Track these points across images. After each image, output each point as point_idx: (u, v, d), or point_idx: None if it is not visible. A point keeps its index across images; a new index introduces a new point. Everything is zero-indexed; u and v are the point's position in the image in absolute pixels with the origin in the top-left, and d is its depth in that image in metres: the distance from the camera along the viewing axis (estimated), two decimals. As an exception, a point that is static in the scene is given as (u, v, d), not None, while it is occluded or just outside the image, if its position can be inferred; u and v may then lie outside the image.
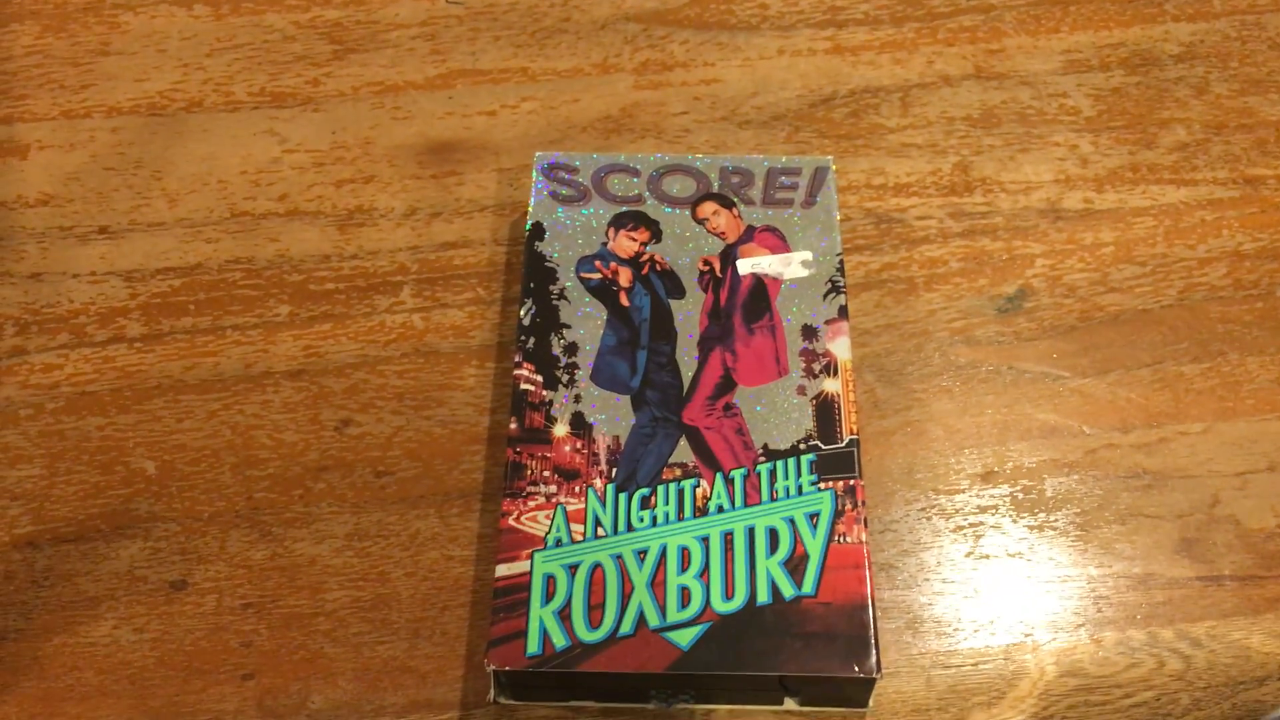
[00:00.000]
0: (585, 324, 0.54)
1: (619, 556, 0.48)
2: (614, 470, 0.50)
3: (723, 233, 0.57)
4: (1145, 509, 0.53)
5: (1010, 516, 0.53)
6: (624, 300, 0.55)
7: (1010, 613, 0.51)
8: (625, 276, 0.56)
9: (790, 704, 0.48)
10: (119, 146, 0.65)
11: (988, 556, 0.52)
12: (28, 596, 0.51)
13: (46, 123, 0.66)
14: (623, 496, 0.50)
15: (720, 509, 0.49)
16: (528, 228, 0.57)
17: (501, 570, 0.48)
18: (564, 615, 0.47)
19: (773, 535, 0.49)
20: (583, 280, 0.56)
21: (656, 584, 0.47)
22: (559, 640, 0.46)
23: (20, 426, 0.55)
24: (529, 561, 0.48)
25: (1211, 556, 0.52)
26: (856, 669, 0.46)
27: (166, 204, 0.63)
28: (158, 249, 0.61)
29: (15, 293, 0.59)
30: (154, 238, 0.61)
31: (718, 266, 0.56)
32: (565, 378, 0.53)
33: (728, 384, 0.53)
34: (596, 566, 0.48)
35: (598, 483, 0.50)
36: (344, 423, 0.56)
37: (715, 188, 0.59)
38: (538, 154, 0.60)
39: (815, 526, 0.49)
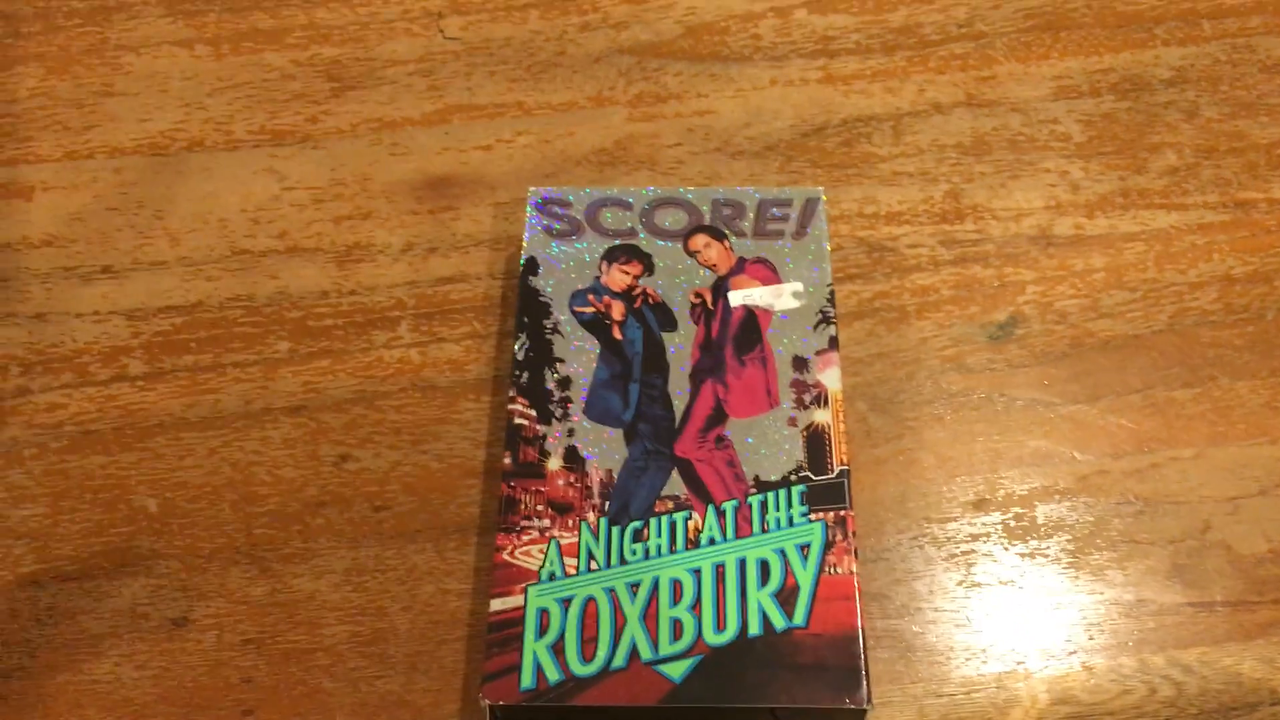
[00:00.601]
0: (578, 358, 0.55)
1: (612, 590, 0.49)
2: (607, 503, 0.51)
3: (714, 265, 0.58)
4: (1137, 535, 0.54)
5: (1002, 544, 0.54)
6: (616, 334, 0.56)
7: (1002, 641, 0.51)
8: (618, 310, 0.57)
9: (783, 735, 0.49)
10: (122, 187, 0.66)
11: (979, 585, 0.53)
12: (31, 634, 0.52)
13: (50, 164, 0.67)
14: (615, 530, 0.50)
15: (712, 541, 0.50)
16: (522, 262, 0.58)
17: (495, 605, 0.48)
18: (557, 649, 0.47)
19: (764, 567, 0.49)
20: (576, 314, 0.56)
21: (649, 617, 0.48)
22: (552, 674, 0.47)
23: (25, 466, 0.56)
24: (523, 595, 0.49)
25: (1203, 582, 0.52)
26: (847, 701, 0.46)
27: (168, 243, 0.64)
28: (159, 288, 0.62)
29: (20, 333, 0.60)
30: (156, 277, 0.62)
31: (709, 299, 0.57)
32: (559, 412, 0.54)
33: (719, 416, 0.53)
34: (589, 600, 0.48)
35: (590, 516, 0.51)
36: (342, 458, 0.56)
37: (707, 220, 0.59)
38: (531, 189, 0.61)
39: (806, 558, 0.49)
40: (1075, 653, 0.51)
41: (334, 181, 0.66)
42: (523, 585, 0.49)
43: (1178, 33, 0.71)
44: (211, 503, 0.55)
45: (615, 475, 0.52)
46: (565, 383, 0.54)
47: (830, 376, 0.54)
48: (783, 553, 0.49)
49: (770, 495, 0.51)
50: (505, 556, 0.50)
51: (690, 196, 0.60)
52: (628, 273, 0.58)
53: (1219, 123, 0.67)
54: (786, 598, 0.48)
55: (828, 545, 0.49)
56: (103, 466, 0.56)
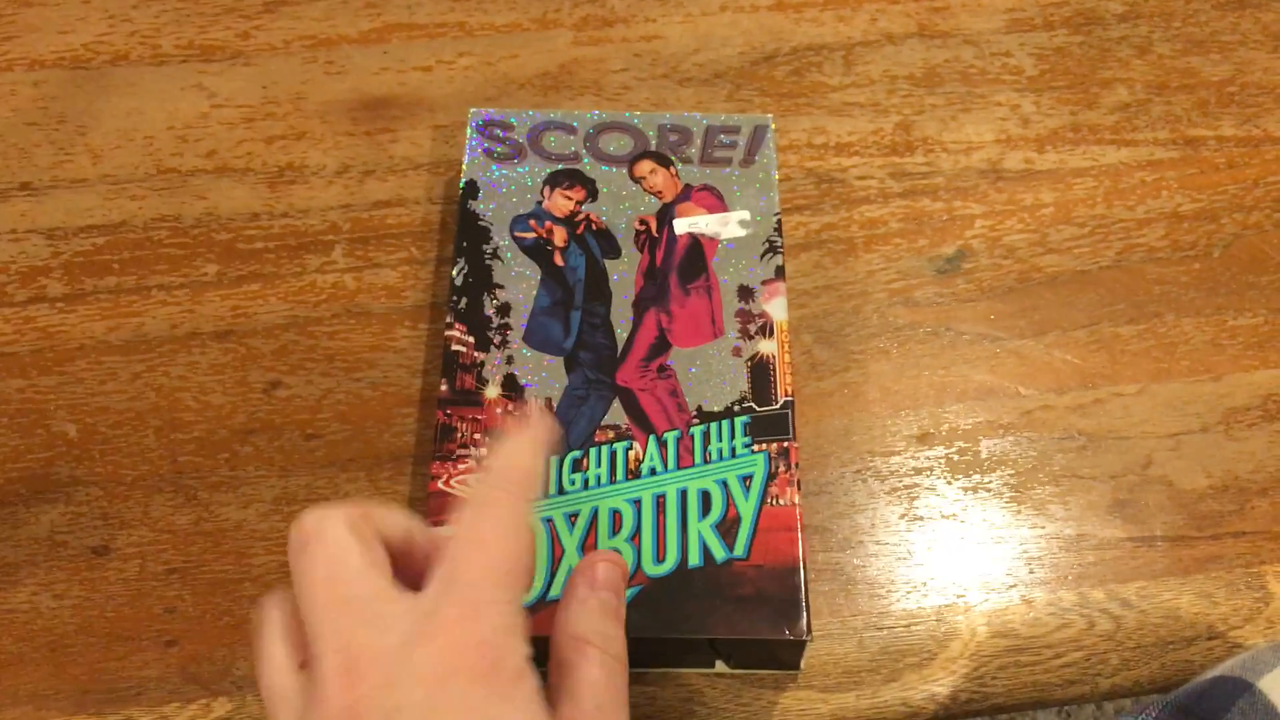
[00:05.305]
0: (518, 284, 0.53)
1: (549, 520, 0.48)
2: (546, 433, 0.50)
3: (660, 191, 0.56)
4: (1079, 470, 0.53)
5: (945, 478, 0.53)
6: (558, 260, 0.54)
7: (943, 574, 0.51)
8: (560, 236, 0.55)
9: (722, 666, 0.48)
10: (41, 101, 0.63)
11: (922, 519, 0.52)
12: (-56, 563, 0.50)
13: (-35, 75, 0.63)
14: (554, 459, 0.49)
15: (653, 471, 0.49)
16: (461, 186, 0.56)
17: (430, 534, 0.47)
18: (493, 579, 0.46)
19: (705, 498, 0.48)
20: (517, 239, 0.55)
21: (587, 547, 0.47)
22: (487, 605, 0.45)
23: (-63, 389, 0.54)
24: (458, 525, 0.47)
25: (1143, 517, 0.52)
26: (787, 632, 0.45)
27: (90, 160, 0.61)
28: (81, 206, 0.59)
29: (-68, 251, 0.58)
30: (77, 195, 0.60)
31: (654, 226, 0.55)
32: (497, 339, 0.52)
33: (662, 345, 0.52)
34: (526, 530, 0.47)
35: (529, 445, 0.49)
36: (272, 385, 0.55)
37: (653, 146, 0.58)
38: (472, 110, 0.59)
39: (748, 489, 0.48)
40: (1015, 586, 0.51)
41: (266, 100, 0.63)
42: (458, 514, 0.47)
43: (1132, -32, 0.70)
44: (135, 429, 0.53)
45: (555, 404, 0.50)
46: (505, 309, 0.53)
47: (776, 307, 0.53)
48: (724, 484, 0.48)
49: (713, 425, 0.50)
50: (440, 485, 0.48)
51: (636, 121, 0.58)
52: (570, 198, 0.56)
53: (1171, 59, 0.66)
54: (728, 529, 0.47)
55: (770, 477, 0.49)
56: (20, 390, 0.54)
